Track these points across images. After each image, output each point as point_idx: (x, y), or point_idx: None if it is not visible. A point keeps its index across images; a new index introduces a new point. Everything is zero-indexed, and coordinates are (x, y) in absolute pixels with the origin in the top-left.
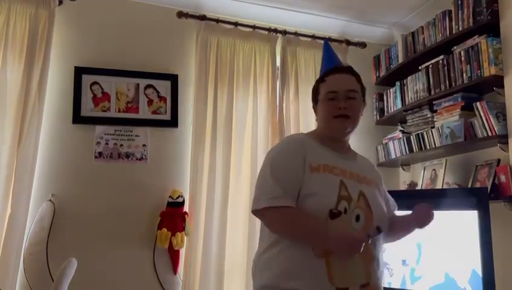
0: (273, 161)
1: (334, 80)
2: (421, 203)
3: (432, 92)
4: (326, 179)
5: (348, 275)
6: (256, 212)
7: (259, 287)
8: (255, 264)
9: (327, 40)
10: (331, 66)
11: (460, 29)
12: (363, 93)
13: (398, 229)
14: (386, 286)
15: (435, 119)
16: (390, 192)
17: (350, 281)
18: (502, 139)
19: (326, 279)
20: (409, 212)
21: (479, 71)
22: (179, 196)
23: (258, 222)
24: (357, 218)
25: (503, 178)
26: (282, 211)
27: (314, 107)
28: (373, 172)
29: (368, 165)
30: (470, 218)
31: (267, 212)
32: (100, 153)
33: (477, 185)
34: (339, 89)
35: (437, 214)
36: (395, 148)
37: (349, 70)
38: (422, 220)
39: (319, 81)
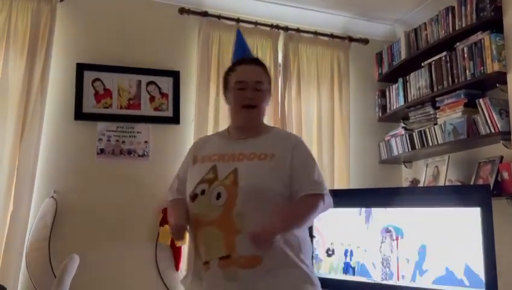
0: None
1: (243, 70)
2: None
3: (435, 89)
4: (199, 168)
5: (208, 249)
6: None
7: None
8: None
9: (239, 30)
10: (241, 56)
11: (463, 25)
12: (270, 85)
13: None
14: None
15: (437, 116)
16: (392, 189)
17: (210, 255)
18: (505, 136)
19: (196, 255)
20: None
21: (482, 68)
22: None
23: None
24: (218, 195)
25: (505, 175)
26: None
27: (225, 96)
28: (277, 145)
29: (274, 141)
30: (472, 215)
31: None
32: (102, 150)
33: (480, 182)
34: (247, 79)
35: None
36: (398, 145)
37: (257, 61)
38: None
39: (229, 71)
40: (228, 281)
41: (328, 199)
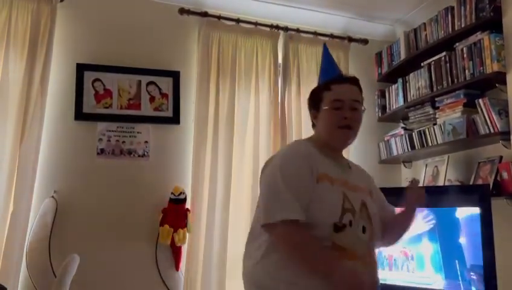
0: (284, 169)
1: (341, 89)
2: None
3: (434, 89)
4: (330, 190)
5: None
6: (269, 225)
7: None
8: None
9: (326, 45)
10: (333, 74)
11: (462, 25)
12: (362, 104)
13: (397, 224)
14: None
15: (437, 116)
16: (392, 189)
17: None
18: (504, 136)
19: None
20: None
21: (481, 68)
22: (181, 192)
23: None
24: (363, 230)
25: (505, 175)
26: (296, 229)
27: (314, 114)
28: (366, 178)
29: (361, 172)
30: (472, 215)
31: (282, 226)
32: (102, 150)
33: (480, 182)
34: (345, 98)
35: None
36: (397, 145)
37: (355, 81)
38: (413, 200)
39: (323, 89)
40: None
41: None
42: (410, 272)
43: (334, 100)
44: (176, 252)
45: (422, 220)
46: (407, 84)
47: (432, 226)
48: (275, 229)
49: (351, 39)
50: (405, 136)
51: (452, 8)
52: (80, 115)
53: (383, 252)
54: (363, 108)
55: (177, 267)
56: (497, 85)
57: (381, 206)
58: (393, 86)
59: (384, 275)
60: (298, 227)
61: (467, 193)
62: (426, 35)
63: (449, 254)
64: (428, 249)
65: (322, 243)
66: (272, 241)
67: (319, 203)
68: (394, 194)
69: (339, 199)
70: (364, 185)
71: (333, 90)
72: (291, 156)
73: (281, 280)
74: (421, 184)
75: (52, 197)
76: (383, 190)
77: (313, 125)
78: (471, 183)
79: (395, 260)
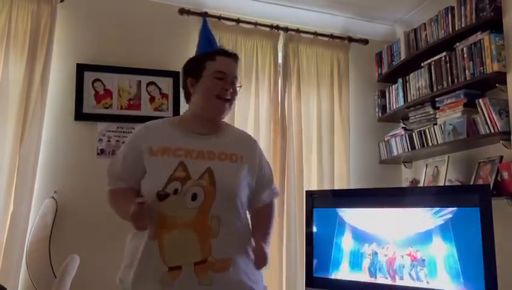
0: (122, 151)
1: (225, 62)
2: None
3: (434, 89)
4: (162, 161)
5: (179, 252)
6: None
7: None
8: None
9: (205, 18)
10: (214, 47)
11: (462, 25)
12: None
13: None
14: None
15: (437, 116)
16: (392, 189)
17: (182, 259)
18: (505, 136)
19: (159, 260)
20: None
21: (481, 68)
22: None
23: None
24: (194, 197)
25: (505, 175)
26: (111, 192)
27: (192, 82)
28: (242, 146)
29: (238, 141)
30: (472, 215)
31: (108, 193)
32: (102, 150)
33: (480, 182)
34: (228, 71)
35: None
36: (397, 145)
37: (237, 58)
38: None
39: (208, 58)
40: (202, 286)
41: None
42: (420, 280)
43: (218, 71)
44: None
45: (432, 216)
46: (407, 84)
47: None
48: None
49: (351, 39)
50: (405, 136)
51: (452, 8)
52: (80, 115)
53: (378, 256)
54: (239, 85)
55: None
56: (497, 85)
57: (257, 185)
58: (393, 86)
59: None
60: (114, 190)
61: (467, 193)
62: (426, 35)
63: (449, 254)
64: (441, 250)
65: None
66: None
67: (147, 176)
68: (394, 194)
69: (168, 169)
70: (231, 152)
71: (218, 61)
72: (128, 138)
73: (125, 264)
74: (421, 184)
75: (52, 197)
76: (384, 189)
77: (187, 97)
78: (471, 183)
79: (398, 266)
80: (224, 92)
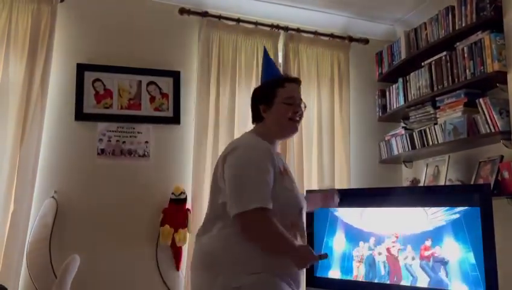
0: (253, 162)
1: (293, 87)
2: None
3: (435, 89)
4: (290, 181)
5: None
6: (243, 213)
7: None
8: (225, 250)
9: (265, 48)
10: (278, 73)
11: (463, 25)
12: None
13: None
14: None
15: (437, 116)
16: (392, 189)
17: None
18: (505, 135)
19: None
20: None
21: (482, 67)
22: (182, 192)
23: None
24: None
25: (506, 174)
26: (267, 212)
27: (264, 108)
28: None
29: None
30: (472, 214)
31: (256, 214)
32: (103, 150)
33: (480, 181)
34: (296, 95)
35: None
36: (398, 145)
37: (300, 82)
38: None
39: (277, 85)
40: None
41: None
42: (420, 279)
43: (289, 97)
44: (176, 252)
45: (433, 216)
46: (408, 84)
47: (443, 222)
48: (249, 218)
49: (351, 39)
50: (406, 136)
51: (453, 7)
52: (80, 115)
53: (378, 255)
54: (304, 106)
55: (177, 268)
56: (497, 84)
57: None
58: (393, 86)
59: None
60: (269, 214)
61: (467, 192)
62: (427, 34)
63: (449, 254)
64: (441, 250)
65: (296, 226)
66: (237, 229)
67: (289, 193)
68: (395, 194)
69: (292, 185)
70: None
71: (287, 88)
72: (259, 148)
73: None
74: (421, 184)
75: (53, 197)
76: (384, 189)
77: (257, 120)
78: (472, 183)
79: (398, 266)
80: (295, 114)
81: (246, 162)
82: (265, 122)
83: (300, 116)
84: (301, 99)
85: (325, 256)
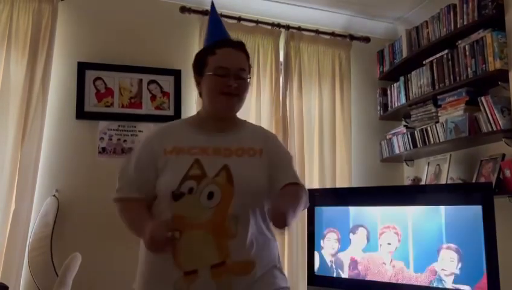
0: (135, 153)
1: (226, 55)
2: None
3: (436, 87)
4: (176, 161)
5: (196, 256)
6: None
7: None
8: None
9: (213, 3)
10: (220, 36)
11: (464, 23)
12: (249, 73)
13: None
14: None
15: (439, 114)
16: (394, 187)
17: (198, 262)
18: (507, 133)
19: (173, 265)
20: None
21: (483, 65)
22: None
23: None
24: (210, 195)
25: (507, 173)
26: (121, 201)
27: (198, 80)
28: (261, 140)
29: (255, 135)
30: (474, 213)
31: (117, 204)
32: (104, 149)
33: (482, 180)
34: (230, 66)
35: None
36: (399, 144)
37: (242, 46)
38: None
39: (208, 53)
40: None
41: (307, 196)
42: (421, 278)
43: (218, 67)
44: None
45: (434, 214)
46: (409, 83)
47: (445, 220)
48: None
49: (352, 37)
50: (407, 135)
51: (454, 5)
52: (81, 113)
53: (379, 253)
54: (249, 77)
55: None
56: (499, 83)
57: (274, 172)
58: (395, 84)
59: None
60: (125, 203)
61: (469, 191)
62: (428, 33)
63: (450, 253)
64: (443, 249)
65: (164, 214)
66: None
67: (162, 176)
68: (396, 192)
69: (183, 168)
70: (248, 146)
71: (218, 55)
72: (143, 140)
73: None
74: (423, 182)
75: (54, 196)
76: (384, 188)
77: (200, 93)
78: (473, 181)
79: (399, 264)
80: (228, 88)
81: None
82: (202, 97)
83: (238, 89)
84: (242, 69)
85: (173, 236)
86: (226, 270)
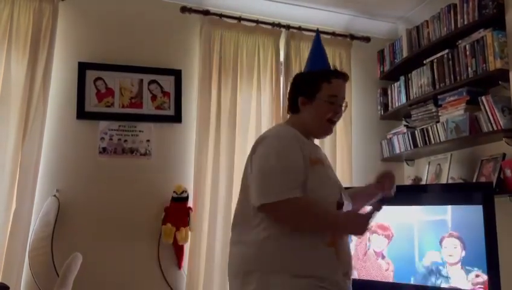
0: (280, 150)
1: (339, 85)
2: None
3: (437, 87)
4: (325, 171)
5: (349, 259)
6: (267, 205)
7: (279, 274)
8: (254, 251)
9: (318, 32)
10: (326, 64)
11: (465, 22)
12: None
13: (359, 201)
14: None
15: (439, 114)
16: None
17: (348, 266)
18: (508, 133)
19: (338, 265)
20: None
21: (484, 65)
22: (183, 191)
23: None
24: (347, 206)
25: (508, 172)
26: (297, 201)
27: (304, 101)
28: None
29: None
30: (475, 213)
31: (282, 204)
32: (104, 149)
33: (483, 179)
34: (339, 95)
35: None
36: (400, 143)
37: (347, 78)
38: (387, 186)
39: (323, 79)
40: None
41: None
42: (410, 272)
43: (332, 95)
44: (178, 250)
45: (435, 214)
46: (410, 82)
47: (446, 220)
48: (277, 209)
49: (353, 37)
50: (407, 134)
51: (455, 5)
52: (82, 113)
53: (379, 253)
54: (345, 105)
55: (179, 266)
56: (500, 82)
57: None
58: (395, 84)
59: None
60: (298, 199)
61: (469, 190)
62: (428, 32)
63: (451, 252)
64: (444, 248)
65: None
66: (270, 221)
67: (320, 184)
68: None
69: (329, 178)
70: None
71: (333, 84)
72: (285, 137)
73: (301, 260)
74: (423, 182)
75: (55, 196)
76: None
77: (292, 110)
78: (474, 181)
79: (399, 263)
80: (335, 116)
81: (271, 151)
82: (301, 116)
83: (339, 117)
84: (344, 98)
85: (378, 207)
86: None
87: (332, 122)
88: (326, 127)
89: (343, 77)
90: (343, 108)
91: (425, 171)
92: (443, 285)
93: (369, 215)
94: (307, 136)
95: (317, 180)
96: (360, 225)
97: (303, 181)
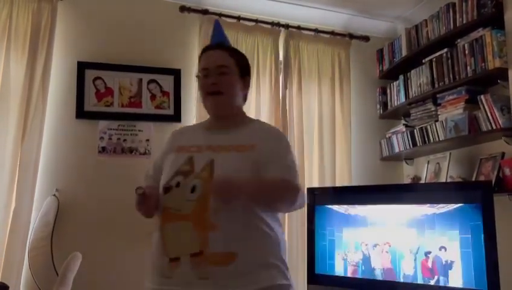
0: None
1: (206, 56)
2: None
3: (436, 86)
4: (176, 158)
5: (179, 244)
6: None
7: None
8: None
9: (218, 21)
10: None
11: (464, 21)
12: (242, 68)
13: None
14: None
15: (438, 113)
16: (393, 186)
17: (181, 251)
18: (507, 132)
19: (162, 251)
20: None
21: (483, 64)
22: None
23: None
24: (193, 189)
25: (507, 171)
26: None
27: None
28: (259, 137)
29: (254, 133)
30: (474, 212)
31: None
32: (104, 148)
33: (482, 178)
34: (209, 65)
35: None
36: (399, 142)
37: (220, 46)
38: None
39: (199, 60)
40: (199, 280)
41: (302, 198)
42: (421, 277)
43: (201, 69)
44: None
45: (434, 213)
46: (409, 81)
47: (445, 218)
48: None
49: (352, 36)
50: (407, 133)
51: (454, 4)
52: (81, 113)
53: (379, 252)
54: (232, 70)
55: None
56: (499, 81)
57: (266, 167)
58: (394, 83)
59: None
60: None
61: (469, 189)
62: (427, 31)
63: (451, 252)
64: (443, 247)
65: (160, 206)
66: None
67: (163, 171)
68: (396, 191)
69: (177, 164)
70: (239, 143)
71: (202, 58)
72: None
73: None
74: (422, 181)
75: (54, 195)
76: (384, 187)
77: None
78: (473, 179)
79: (399, 263)
80: (210, 87)
81: None
82: None
83: (218, 86)
84: (221, 66)
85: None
86: (203, 260)
87: (211, 94)
88: (208, 101)
89: (212, 47)
90: (226, 74)
91: (424, 170)
92: (442, 284)
93: (141, 200)
94: (214, 118)
95: (163, 168)
96: (136, 205)
97: (156, 171)
